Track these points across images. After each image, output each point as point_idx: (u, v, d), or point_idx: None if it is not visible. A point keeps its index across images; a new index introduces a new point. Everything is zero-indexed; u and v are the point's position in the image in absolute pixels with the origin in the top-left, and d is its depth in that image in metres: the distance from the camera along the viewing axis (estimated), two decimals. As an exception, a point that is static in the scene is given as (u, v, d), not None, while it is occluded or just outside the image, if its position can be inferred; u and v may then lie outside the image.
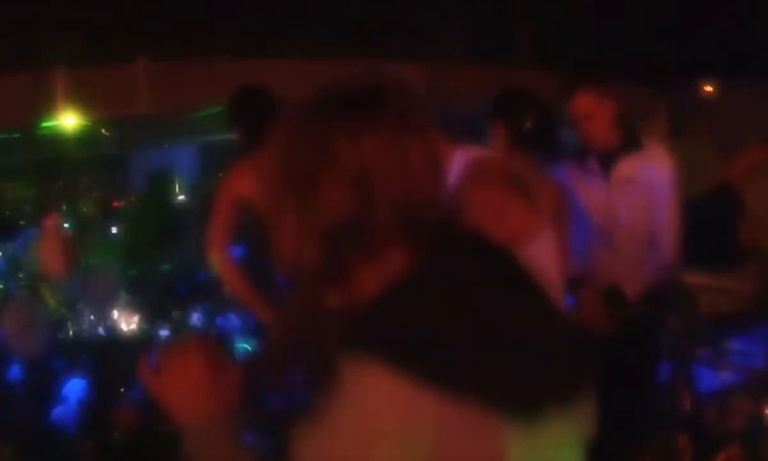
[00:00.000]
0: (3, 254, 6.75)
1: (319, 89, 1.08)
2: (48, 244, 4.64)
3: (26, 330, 4.89)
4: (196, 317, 6.84)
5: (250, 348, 4.66)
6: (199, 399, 1.19)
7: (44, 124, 5.23)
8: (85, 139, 5.78)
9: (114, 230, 7.53)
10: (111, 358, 6.09)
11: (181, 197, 8.78)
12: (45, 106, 5.01)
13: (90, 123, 5.40)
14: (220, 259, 3.08)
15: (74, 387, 5.59)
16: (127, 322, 6.74)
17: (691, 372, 4.68)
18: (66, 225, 4.71)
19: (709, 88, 9.03)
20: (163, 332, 6.66)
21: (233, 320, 6.80)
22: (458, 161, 2.07)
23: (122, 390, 5.67)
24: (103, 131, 5.90)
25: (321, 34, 4.78)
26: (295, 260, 1.06)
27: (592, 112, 3.23)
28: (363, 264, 1.04)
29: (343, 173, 0.99)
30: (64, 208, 5.82)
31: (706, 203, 3.29)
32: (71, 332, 5.98)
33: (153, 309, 6.94)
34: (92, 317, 5.37)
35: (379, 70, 1.07)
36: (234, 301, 6.70)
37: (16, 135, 5.50)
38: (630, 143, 3.34)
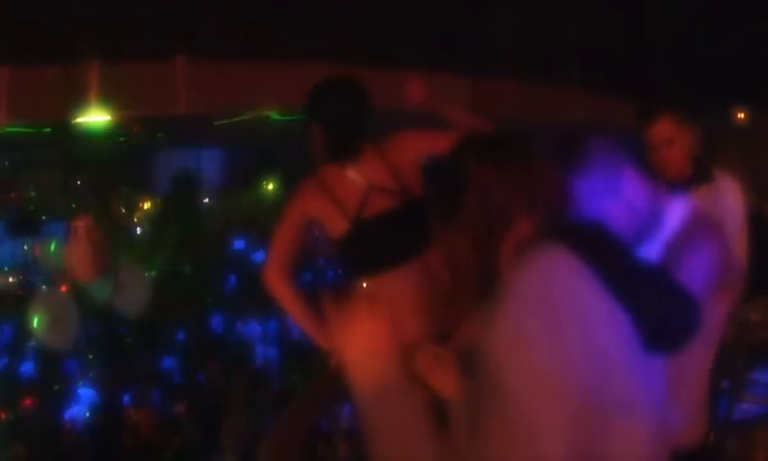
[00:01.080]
0: (27, 248, 6.67)
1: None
2: (78, 247, 4.47)
3: (56, 325, 4.79)
4: (216, 322, 6.75)
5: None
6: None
7: (75, 119, 5.13)
8: (115, 137, 5.69)
9: (139, 230, 7.45)
10: (128, 360, 6.01)
11: (206, 200, 8.70)
12: (76, 101, 4.90)
13: (122, 121, 5.30)
14: (277, 282, 2.87)
15: (88, 388, 5.51)
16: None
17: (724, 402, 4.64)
18: (96, 226, 4.58)
19: (741, 115, 8.95)
20: (180, 335, 6.57)
21: (254, 326, 6.71)
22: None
23: (138, 393, 5.59)
24: (135, 129, 5.81)
25: (366, 43, 4.68)
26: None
27: (673, 137, 3.12)
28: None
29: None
30: (94, 208, 5.73)
31: None
32: (92, 332, 5.89)
33: (170, 312, 6.84)
34: (123, 317, 5.30)
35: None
36: (255, 308, 6.63)
37: (47, 129, 5.41)
38: (701, 174, 3.22)
